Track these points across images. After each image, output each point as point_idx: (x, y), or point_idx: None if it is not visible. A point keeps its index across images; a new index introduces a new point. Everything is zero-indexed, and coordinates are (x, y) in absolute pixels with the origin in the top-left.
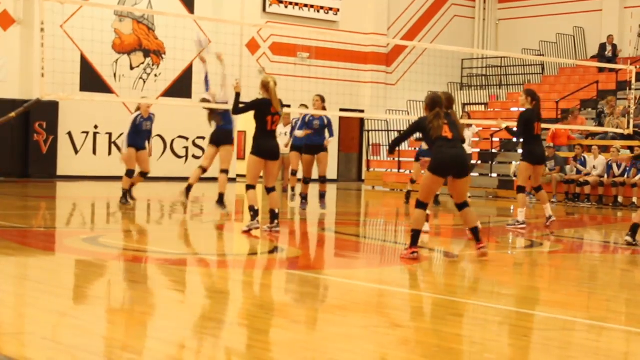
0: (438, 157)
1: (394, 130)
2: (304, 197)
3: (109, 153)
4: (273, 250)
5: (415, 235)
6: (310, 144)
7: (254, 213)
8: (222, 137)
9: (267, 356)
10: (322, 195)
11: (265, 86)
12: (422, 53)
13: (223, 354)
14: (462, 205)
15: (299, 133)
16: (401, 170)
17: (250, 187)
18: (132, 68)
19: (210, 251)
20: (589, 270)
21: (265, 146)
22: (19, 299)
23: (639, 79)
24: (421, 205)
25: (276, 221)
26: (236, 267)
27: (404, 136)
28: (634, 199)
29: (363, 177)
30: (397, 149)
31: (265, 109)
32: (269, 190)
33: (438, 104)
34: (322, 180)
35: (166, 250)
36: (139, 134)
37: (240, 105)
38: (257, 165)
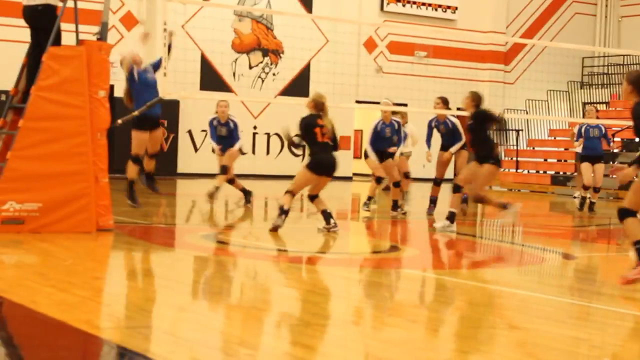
0: None
1: (511, 130)
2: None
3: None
4: (391, 249)
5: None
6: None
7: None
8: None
9: (383, 355)
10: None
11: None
12: (541, 51)
13: (339, 350)
14: None
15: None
16: (519, 170)
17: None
18: (250, 67)
19: (326, 249)
20: None
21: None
22: (141, 294)
23: None
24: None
25: (332, 220)
26: (349, 265)
27: None
28: None
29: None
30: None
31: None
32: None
33: None
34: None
35: (283, 248)
36: (219, 139)
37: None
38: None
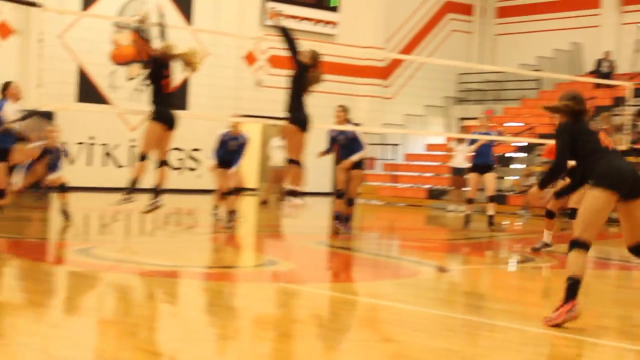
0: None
1: (389, 144)
2: (345, 219)
3: (104, 164)
4: (265, 263)
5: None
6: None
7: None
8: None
9: None
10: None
11: None
12: (419, 67)
13: None
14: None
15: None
16: (396, 184)
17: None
18: (129, 79)
19: (201, 263)
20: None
21: None
22: (10, 310)
23: (635, 95)
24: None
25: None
26: (229, 280)
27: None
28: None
29: (358, 191)
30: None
31: None
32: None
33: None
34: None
35: (159, 262)
36: (226, 154)
37: None
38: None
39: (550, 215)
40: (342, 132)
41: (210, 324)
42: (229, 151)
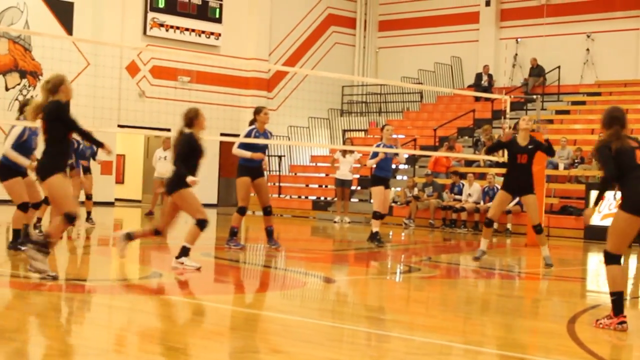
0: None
1: (274, 155)
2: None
3: None
4: (150, 275)
5: (618, 300)
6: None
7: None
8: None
9: None
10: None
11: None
12: (303, 79)
13: None
14: None
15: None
16: (281, 195)
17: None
18: (7, 89)
19: (84, 276)
20: (464, 295)
21: None
22: None
23: (513, 108)
24: (614, 259)
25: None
26: (113, 293)
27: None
28: (508, 225)
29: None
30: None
31: None
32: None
33: (616, 120)
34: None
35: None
36: (251, 148)
37: None
38: None
39: (490, 224)
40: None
41: (94, 338)
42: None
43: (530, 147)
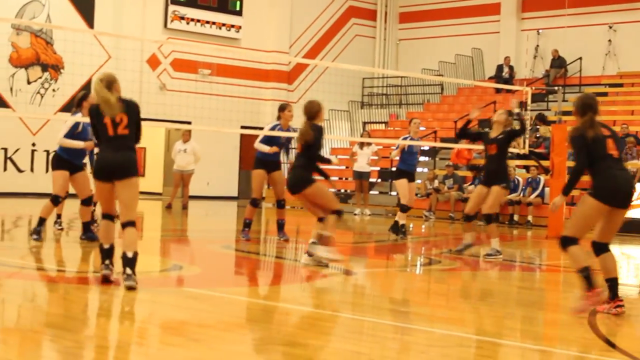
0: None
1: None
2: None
3: (4, 169)
4: (170, 268)
5: (587, 275)
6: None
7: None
8: None
9: None
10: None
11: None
12: (323, 71)
13: None
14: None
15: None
16: None
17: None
18: (29, 82)
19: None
20: (485, 287)
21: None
22: None
23: (534, 99)
24: (572, 242)
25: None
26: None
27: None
28: (529, 217)
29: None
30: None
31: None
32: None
33: (590, 107)
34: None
35: (62, 269)
36: (271, 142)
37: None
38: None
39: (469, 218)
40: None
41: (116, 330)
42: (278, 143)
43: (499, 137)
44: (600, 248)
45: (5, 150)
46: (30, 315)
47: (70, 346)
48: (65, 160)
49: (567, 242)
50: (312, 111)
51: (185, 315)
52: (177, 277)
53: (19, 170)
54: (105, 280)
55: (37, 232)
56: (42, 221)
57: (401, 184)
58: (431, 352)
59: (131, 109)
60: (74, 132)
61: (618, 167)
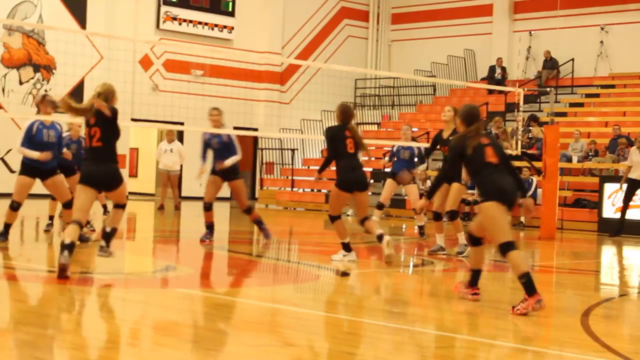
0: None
1: (287, 149)
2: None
3: None
4: (163, 268)
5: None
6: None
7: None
8: None
9: None
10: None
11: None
12: (316, 72)
13: None
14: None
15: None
16: (294, 189)
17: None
18: (21, 83)
19: (98, 269)
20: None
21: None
22: None
23: (526, 101)
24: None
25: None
26: (127, 286)
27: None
28: (522, 219)
29: (256, 196)
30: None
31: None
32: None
33: (477, 118)
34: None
35: (54, 269)
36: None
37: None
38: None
39: (437, 217)
40: (215, 136)
41: (109, 331)
42: (215, 150)
43: (450, 139)
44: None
45: None
46: (26, 317)
47: (62, 346)
48: (28, 166)
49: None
50: (350, 113)
51: (178, 316)
52: (170, 278)
53: (11, 171)
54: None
55: (3, 235)
56: (6, 227)
57: (386, 184)
58: (424, 352)
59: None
60: (30, 137)
61: (498, 172)
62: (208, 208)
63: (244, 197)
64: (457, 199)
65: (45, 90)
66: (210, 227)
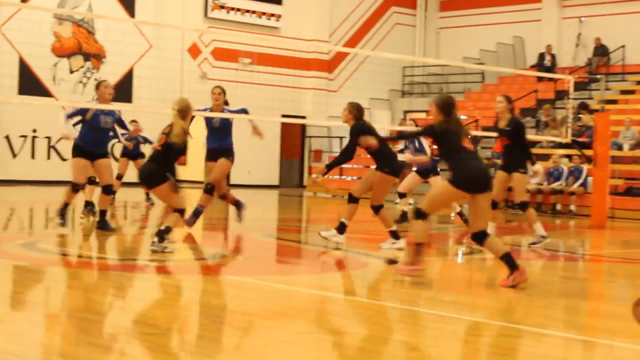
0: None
1: (335, 137)
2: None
3: (48, 157)
4: (213, 256)
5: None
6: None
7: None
8: None
9: None
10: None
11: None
12: (363, 60)
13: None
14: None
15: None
16: (343, 177)
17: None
18: (71, 72)
19: (149, 257)
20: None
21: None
22: None
23: (576, 88)
24: (423, 215)
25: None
26: (176, 273)
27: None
28: (572, 207)
29: (304, 184)
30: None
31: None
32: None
33: (453, 107)
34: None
35: (105, 256)
36: (211, 133)
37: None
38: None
39: (494, 206)
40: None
41: (159, 317)
42: (212, 130)
43: (507, 129)
44: (481, 237)
45: (49, 139)
46: (76, 302)
47: (113, 332)
48: (82, 148)
49: (421, 215)
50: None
51: (227, 303)
52: (220, 265)
53: (62, 159)
54: None
55: (62, 215)
56: (65, 205)
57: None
58: (472, 340)
59: None
60: (85, 121)
61: (472, 157)
62: (209, 191)
63: (220, 176)
64: (522, 189)
65: (96, 79)
66: (197, 212)
